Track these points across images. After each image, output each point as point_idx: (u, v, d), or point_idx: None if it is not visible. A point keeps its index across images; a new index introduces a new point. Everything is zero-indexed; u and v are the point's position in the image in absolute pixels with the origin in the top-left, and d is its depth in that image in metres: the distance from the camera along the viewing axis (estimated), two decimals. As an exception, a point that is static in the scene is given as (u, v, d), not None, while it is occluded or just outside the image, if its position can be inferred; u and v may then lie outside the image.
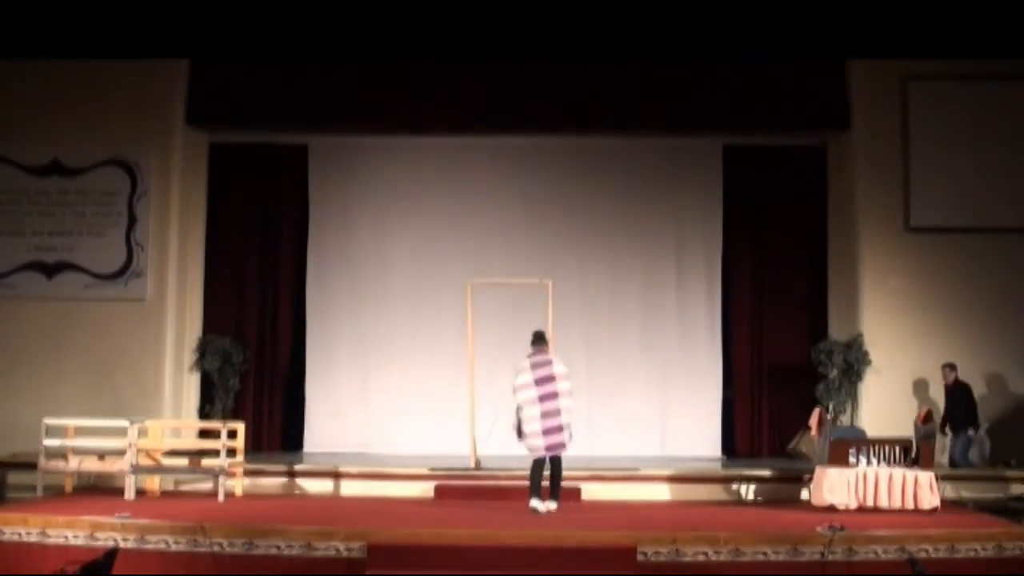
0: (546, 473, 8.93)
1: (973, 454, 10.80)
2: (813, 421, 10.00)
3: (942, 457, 10.84)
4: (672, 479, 10.20)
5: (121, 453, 9.56)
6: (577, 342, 12.23)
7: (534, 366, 8.99)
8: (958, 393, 11.03)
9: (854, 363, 11.54)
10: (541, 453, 8.88)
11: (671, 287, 12.58)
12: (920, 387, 11.46)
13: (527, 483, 8.92)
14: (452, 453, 11.48)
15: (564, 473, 10.17)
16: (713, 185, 12.69)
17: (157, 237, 11.94)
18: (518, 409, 8.88)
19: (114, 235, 11.93)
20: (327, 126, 12.49)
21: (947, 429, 11.00)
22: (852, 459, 9.24)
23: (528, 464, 9.00)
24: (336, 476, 10.19)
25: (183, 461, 9.97)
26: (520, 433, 8.90)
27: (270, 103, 12.16)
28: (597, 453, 11.98)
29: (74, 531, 7.77)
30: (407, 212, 12.68)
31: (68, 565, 6.41)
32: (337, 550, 7.52)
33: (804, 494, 9.87)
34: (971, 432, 10.84)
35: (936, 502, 9.01)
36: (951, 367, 11.07)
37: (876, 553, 7.56)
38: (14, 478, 10.40)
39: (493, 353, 11.69)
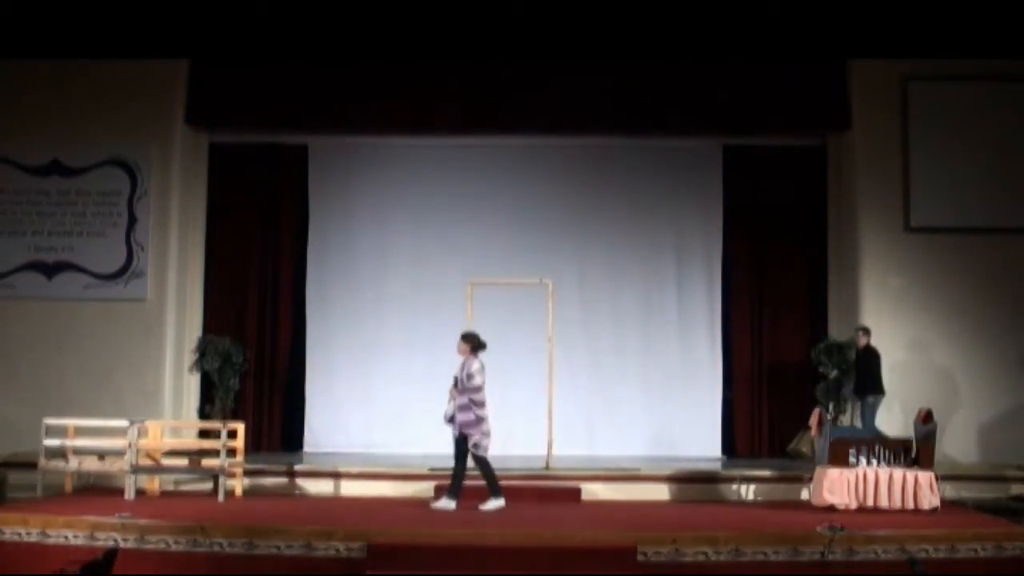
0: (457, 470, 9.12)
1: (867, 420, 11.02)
2: (813, 421, 10.00)
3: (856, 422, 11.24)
4: (672, 479, 10.20)
5: (121, 453, 9.56)
6: (577, 342, 12.24)
7: (483, 368, 9.13)
8: (867, 358, 11.12)
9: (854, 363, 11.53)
10: (485, 453, 9.04)
11: (671, 287, 12.57)
12: (920, 387, 11.43)
13: (493, 482, 9.04)
14: (452, 453, 11.46)
15: (564, 473, 10.24)
16: (713, 185, 12.69)
17: (157, 237, 11.94)
18: (478, 406, 8.96)
19: (114, 235, 11.93)
20: (327, 126, 12.49)
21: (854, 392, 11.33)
22: (852, 459, 9.25)
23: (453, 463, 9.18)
24: (336, 476, 10.19)
25: (183, 461, 9.97)
26: (481, 432, 8.98)
27: (270, 103, 12.16)
28: (597, 453, 11.99)
29: (74, 531, 7.77)
30: (407, 212, 12.68)
31: (68, 565, 6.42)
32: (337, 550, 7.53)
33: (804, 494, 9.88)
34: (871, 398, 11.00)
35: (936, 502, 9.02)
36: (864, 331, 11.19)
37: (876, 553, 7.56)
38: (14, 478, 10.39)
39: (493, 353, 11.67)
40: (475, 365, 9.09)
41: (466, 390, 9.02)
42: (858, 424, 11.29)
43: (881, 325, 11.64)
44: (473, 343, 9.23)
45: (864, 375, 11.07)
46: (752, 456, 12.17)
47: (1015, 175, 11.75)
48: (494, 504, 8.95)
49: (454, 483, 9.06)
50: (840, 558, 7.49)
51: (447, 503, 8.99)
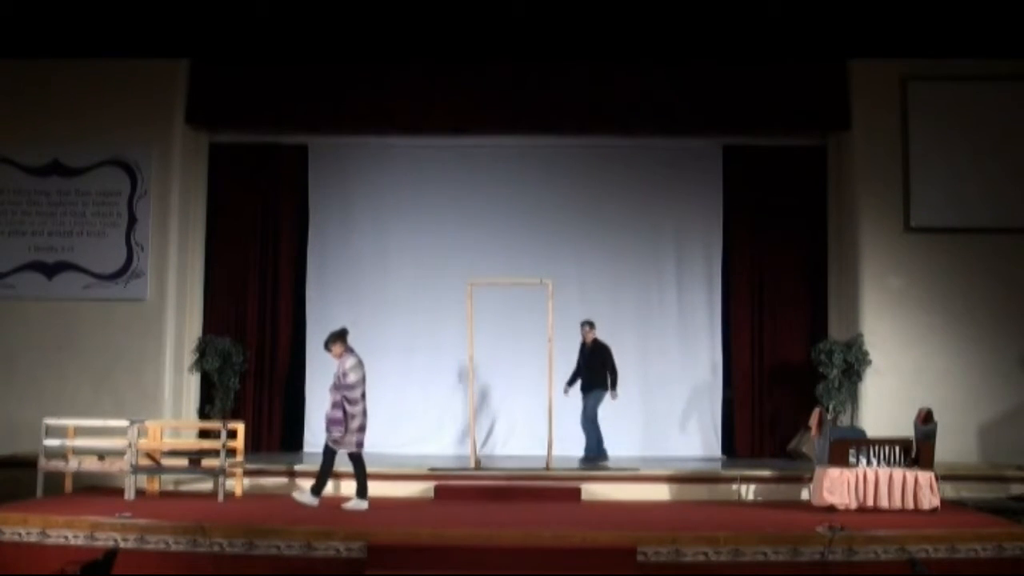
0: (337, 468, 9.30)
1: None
2: (813, 421, 10.00)
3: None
4: (672, 479, 10.19)
5: (121, 453, 9.56)
6: (577, 342, 12.21)
7: (361, 363, 9.18)
8: (595, 353, 11.24)
9: (854, 363, 11.54)
10: (355, 449, 9.12)
11: (671, 287, 12.58)
12: (920, 387, 11.41)
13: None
14: (452, 453, 11.48)
15: (564, 473, 10.23)
16: (713, 185, 12.69)
17: (157, 237, 11.94)
18: (350, 403, 9.00)
19: (114, 235, 11.93)
20: (327, 126, 12.50)
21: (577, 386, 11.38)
22: (852, 459, 9.25)
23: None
24: (336, 476, 10.17)
25: (183, 461, 9.97)
26: (345, 429, 9.02)
27: (270, 103, 12.16)
28: (597, 453, 11.99)
29: (74, 531, 7.77)
30: (407, 212, 12.68)
31: (68, 565, 6.43)
32: (337, 550, 7.53)
33: (804, 494, 9.88)
34: (606, 393, 11.19)
35: (936, 502, 9.02)
36: (590, 325, 11.37)
37: (876, 553, 7.56)
38: (14, 478, 10.39)
39: (493, 353, 11.71)
40: (349, 363, 9.11)
41: (340, 387, 9.05)
42: (857, 424, 11.30)
43: (881, 325, 11.66)
44: (342, 340, 9.24)
45: (595, 370, 11.19)
46: (752, 456, 12.16)
47: (1015, 175, 11.74)
48: (356, 504, 9.00)
49: (359, 482, 9.17)
50: (840, 558, 7.49)
51: (358, 503, 9.05)
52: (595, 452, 11.13)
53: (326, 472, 9.16)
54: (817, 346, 11.85)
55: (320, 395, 12.38)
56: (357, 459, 9.17)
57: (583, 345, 11.41)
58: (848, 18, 11.19)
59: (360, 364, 9.20)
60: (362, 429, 9.18)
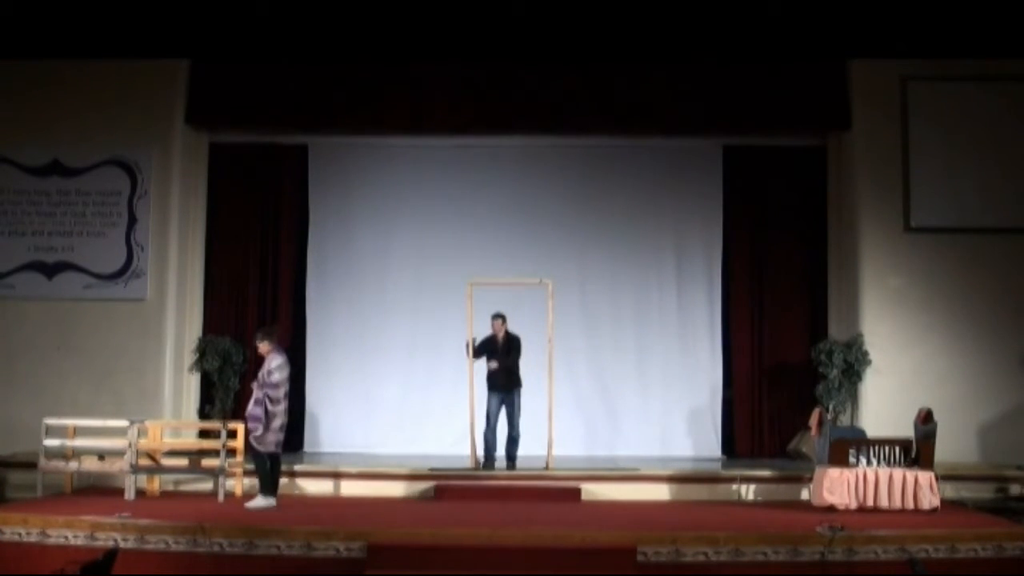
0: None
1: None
2: (813, 421, 10.00)
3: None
4: (672, 479, 10.19)
5: (121, 453, 9.56)
6: (577, 342, 12.24)
7: (286, 363, 9.19)
8: (511, 347, 10.73)
9: (854, 363, 11.53)
10: (273, 449, 9.09)
11: (671, 287, 12.57)
12: (920, 387, 11.41)
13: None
14: (452, 453, 11.48)
15: (564, 473, 10.23)
16: (713, 185, 12.68)
17: (157, 237, 11.93)
18: (272, 403, 8.98)
19: (114, 235, 11.93)
20: (327, 126, 12.48)
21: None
22: (852, 459, 9.25)
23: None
24: (336, 476, 10.19)
25: (183, 461, 9.97)
26: (267, 428, 8.98)
27: (270, 103, 12.16)
28: (597, 453, 12.00)
29: (74, 531, 7.78)
30: (407, 212, 12.68)
31: (68, 565, 6.42)
32: (337, 550, 7.53)
33: (804, 494, 9.88)
34: (519, 390, 10.67)
35: (936, 502, 9.02)
36: (502, 318, 10.76)
37: (876, 553, 7.57)
38: (14, 478, 10.40)
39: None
40: (275, 362, 9.09)
41: (265, 385, 9.03)
42: (857, 424, 11.29)
43: (881, 325, 11.66)
44: (272, 339, 9.27)
45: (514, 365, 10.67)
46: (752, 456, 12.16)
47: (1015, 175, 11.74)
48: (262, 503, 8.95)
49: (272, 479, 9.12)
50: (840, 558, 7.50)
51: (265, 501, 9.00)
52: (492, 455, 10.64)
53: (275, 473, 9.12)
54: (817, 346, 11.85)
55: (320, 395, 12.51)
56: (275, 459, 9.14)
57: (492, 339, 10.79)
58: (848, 18, 11.21)
59: (286, 364, 9.17)
60: (282, 429, 9.16)
